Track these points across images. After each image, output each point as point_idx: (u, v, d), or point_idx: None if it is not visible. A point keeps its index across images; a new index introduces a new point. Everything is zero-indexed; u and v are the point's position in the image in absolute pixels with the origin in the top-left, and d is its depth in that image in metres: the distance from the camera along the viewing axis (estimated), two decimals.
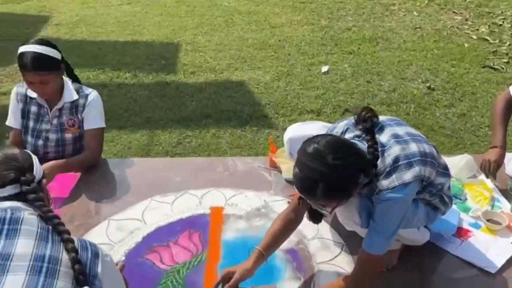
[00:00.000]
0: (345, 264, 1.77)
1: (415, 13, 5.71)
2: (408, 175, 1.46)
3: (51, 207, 1.10)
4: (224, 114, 3.79)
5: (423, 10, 5.79)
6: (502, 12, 5.81)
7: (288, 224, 1.70)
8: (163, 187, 2.17)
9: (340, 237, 1.88)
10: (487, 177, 2.05)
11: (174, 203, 2.06)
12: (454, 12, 5.76)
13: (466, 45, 4.83)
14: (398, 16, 5.63)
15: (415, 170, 1.47)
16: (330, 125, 1.78)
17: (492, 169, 1.98)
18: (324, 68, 4.42)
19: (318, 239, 1.88)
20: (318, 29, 5.33)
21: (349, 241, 1.85)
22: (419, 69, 4.36)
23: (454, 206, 2.00)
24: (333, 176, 1.38)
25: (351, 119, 1.64)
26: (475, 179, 2.17)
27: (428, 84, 4.08)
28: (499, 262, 1.76)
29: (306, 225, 1.73)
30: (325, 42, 5.00)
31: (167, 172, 2.29)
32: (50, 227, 1.00)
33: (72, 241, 0.97)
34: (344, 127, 1.64)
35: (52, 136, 2.20)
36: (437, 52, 4.69)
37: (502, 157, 2.01)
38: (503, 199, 2.08)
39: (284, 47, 4.92)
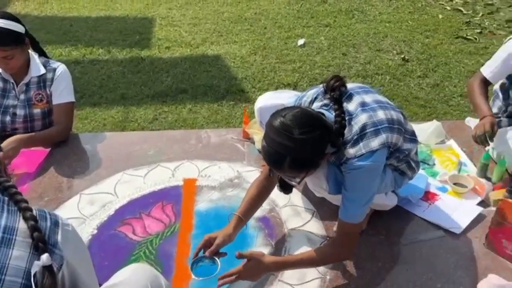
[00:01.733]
0: (315, 229, 1.81)
1: None
2: (375, 143, 1.47)
3: (9, 178, 1.08)
4: (200, 89, 3.76)
5: None
6: None
7: (262, 191, 1.72)
8: (135, 160, 2.16)
9: (310, 204, 1.91)
10: (483, 145, 2.02)
11: (147, 176, 2.06)
12: None
13: (440, 16, 4.86)
14: None
15: (382, 137, 1.49)
16: (300, 93, 1.78)
17: (489, 134, 1.97)
18: (301, 41, 4.40)
19: (289, 207, 1.91)
20: (294, 2, 5.28)
21: (320, 207, 1.89)
22: (394, 41, 4.38)
23: (422, 171, 2.04)
24: (300, 150, 1.38)
25: (320, 87, 1.64)
26: (443, 145, 2.22)
27: (402, 56, 4.10)
28: (464, 223, 1.82)
29: (278, 194, 1.75)
30: (301, 15, 4.97)
31: (140, 145, 2.28)
32: (7, 198, 0.98)
33: (30, 209, 0.96)
34: (313, 96, 1.64)
35: (20, 112, 2.16)
36: (412, 23, 4.71)
37: (495, 122, 2.04)
38: (469, 163, 2.13)
39: (260, 21, 4.88)
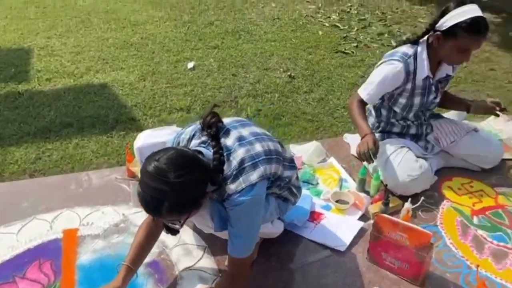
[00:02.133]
0: (207, 266, 1.78)
1: (273, 4, 5.93)
2: (254, 176, 1.49)
3: None
4: (87, 121, 3.56)
5: (280, 0, 6.03)
6: None
7: (151, 233, 1.66)
8: (6, 215, 1.96)
9: (202, 240, 1.89)
10: (368, 162, 2.12)
11: (21, 232, 1.89)
12: (308, 1, 6.10)
13: (320, 32, 5.15)
14: (257, 8, 5.81)
15: (260, 169, 1.51)
16: (180, 129, 1.76)
17: (373, 151, 2.07)
18: (190, 64, 4.38)
19: (180, 246, 1.86)
20: (180, 25, 5.27)
21: (211, 242, 1.87)
22: (280, 59, 4.54)
23: (307, 192, 2.12)
24: (178, 193, 1.35)
25: (197, 124, 1.63)
26: (324, 163, 2.32)
27: (289, 73, 4.26)
28: (347, 239, 1.92)
29: (167, 235, 1.70)
30: (189, 38, 4.96)
31: (11, 197, 2.09)
32: None
33: None
34: (191, 133, 1.62)
35: None
36: (295, 41, 4.93)
37: (376, 140, 2.14)
38: (349, 179, 2.26)
39: (147, 45, 4.77)
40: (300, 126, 3.48)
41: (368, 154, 2.06)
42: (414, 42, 2.19)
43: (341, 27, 5.30)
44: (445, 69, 2.24)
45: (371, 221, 1.99)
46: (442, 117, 2.50)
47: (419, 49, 2.16)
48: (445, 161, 2.43)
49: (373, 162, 2.11)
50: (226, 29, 5.14)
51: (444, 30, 2.04)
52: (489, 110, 2.35)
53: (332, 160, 2.32)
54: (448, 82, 2.36)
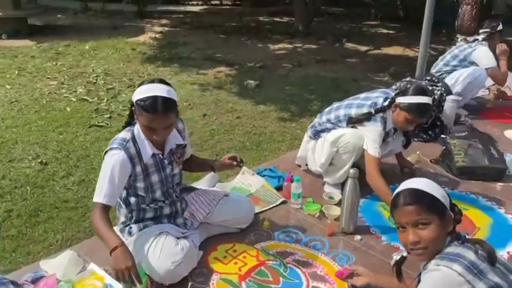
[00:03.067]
0: None
1: (7, 86, 5.34)
2: None
3: None
4: None
5: (15, 81, 5.49)
6: (93, 70, 6.19)
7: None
8: None
9: None
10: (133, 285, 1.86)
11: None
12: (48, 78, 5.72)
13: (68, 109, 4.85)
14: None
15: None
16: None
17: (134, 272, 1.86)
18: None
19: None
20: None
21: None
22: (26, 146, 4.06)
23: None
24: None
25: None
26: (85, 272, 2.04)
27: (39, 160, 3.83)
28: None
29: None
30: None
31: None
32: None
33: None
34: None
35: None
36: (41, 122, 4.50)
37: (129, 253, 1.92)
38: (115, 283, 2.00)
39: None
40: (63, 218, 3.12)
41: (129, 275, 1.81)
42: (129, 124, 2.17)
43: (90, 100, 5.12)
44: (174, 140, 2.22)
45: None
46: (195, 188, 2.53)
47: (135, 131, 2.10)
48: (207, 231, 2.46)
49: (140, 283, 1.86)
50: None
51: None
52: (230, 166, 2.49)
53: (92, 266, 2.07)
54: (184, 149, 2.32)
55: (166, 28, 9.83)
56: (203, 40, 8.63)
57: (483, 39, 4.38)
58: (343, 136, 2.81)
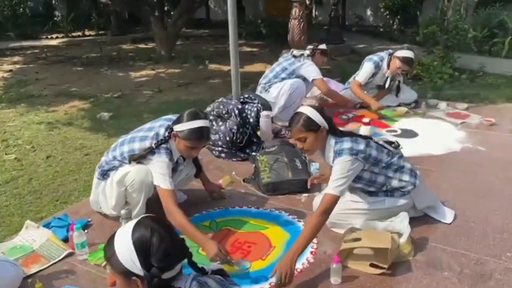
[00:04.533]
0: None
1: None
2: None
3: None
4: None
5: None
6: None
7: None
8: None
9: None
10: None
11: None
12: None
13: None
14: None
15: None
16: None
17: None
18: None
19: None
20: None
21: None
22: None
23: None
24: None
25: None
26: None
27: None
28: None
29: None
30: None
31: None
32: None
33: None
34: None
35: None
36: None
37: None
38: None
39: None
40: None
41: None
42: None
43: None
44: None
45: None
46: None
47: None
48: None
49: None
50: None
51: None
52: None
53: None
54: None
55: (18, 66, 9.06)
56: (58, 74, 8.10)
57: (308, 55, 4.70)
58: (128, 174, 2.67)
